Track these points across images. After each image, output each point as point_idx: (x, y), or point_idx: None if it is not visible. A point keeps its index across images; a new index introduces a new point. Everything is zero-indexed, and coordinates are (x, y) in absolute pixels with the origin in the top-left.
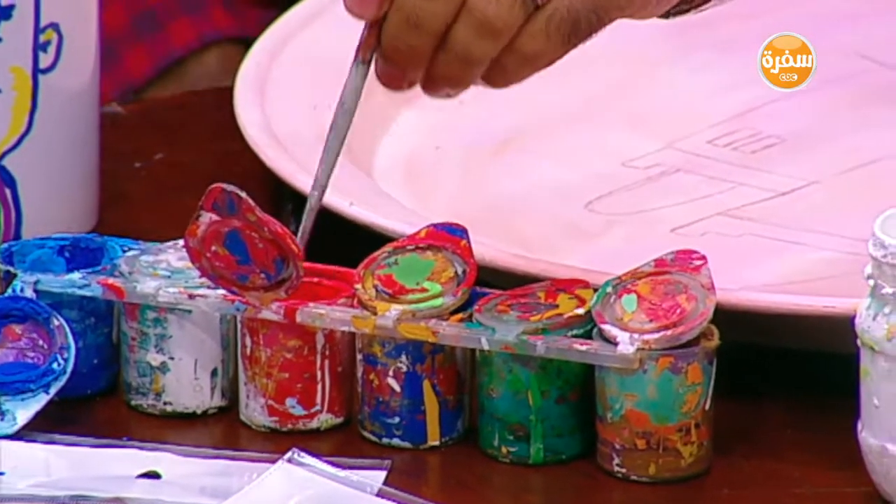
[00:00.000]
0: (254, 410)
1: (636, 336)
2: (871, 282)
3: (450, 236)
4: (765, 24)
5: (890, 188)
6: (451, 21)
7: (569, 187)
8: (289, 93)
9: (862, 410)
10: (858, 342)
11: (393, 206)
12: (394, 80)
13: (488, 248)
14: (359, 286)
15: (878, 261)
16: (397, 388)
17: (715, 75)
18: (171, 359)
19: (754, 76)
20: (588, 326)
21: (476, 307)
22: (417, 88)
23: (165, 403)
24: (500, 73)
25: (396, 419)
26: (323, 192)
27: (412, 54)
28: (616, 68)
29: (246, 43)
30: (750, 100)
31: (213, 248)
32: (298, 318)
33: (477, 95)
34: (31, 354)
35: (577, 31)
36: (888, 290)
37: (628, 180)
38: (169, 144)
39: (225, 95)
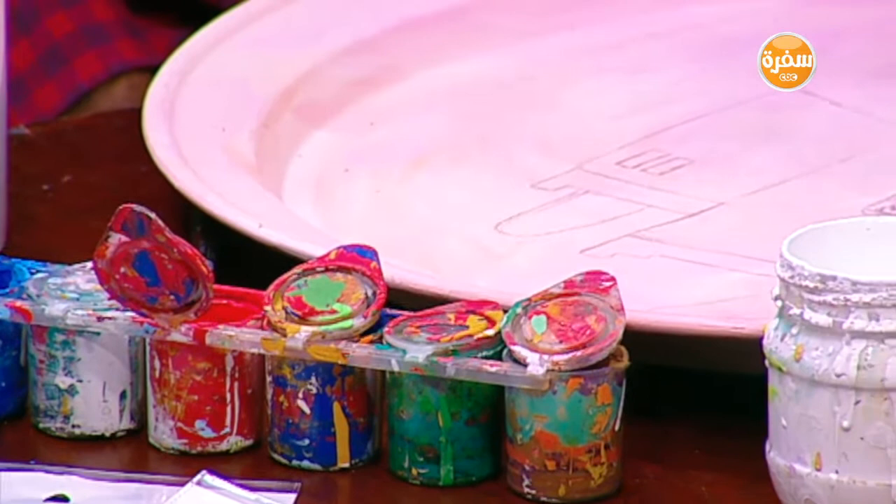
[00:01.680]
0: (163, 433)
1: (546, 357)
2: (779, 303)
3: (360, 258)
4: (671, 47)
5: (797, 209)
6: None
7: (478, 209)
8: (197, 114)
9: (770, 431)
10: (766, 363)
11: (303, 227)
12: None
13: (398, 269)
14: (268, 308)
15: (786, 282)
16: (307, 410)
17: (623, 97)
18: (80, 381)
19: (662, 98)
20: (498, 348)
21: (386, 329)
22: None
23: (74, 426)
24: None
25: (306, 441)
26: None
27: None
28: (525, 90)
29: (153, 71)
30: (658, 122)
31: (123, 269)
32: (208, 341)
33: (387, 117)
34: None
35: None
36: (795, 310)
37: (538, 202)
38: (77, 166)
39: (133, 117)
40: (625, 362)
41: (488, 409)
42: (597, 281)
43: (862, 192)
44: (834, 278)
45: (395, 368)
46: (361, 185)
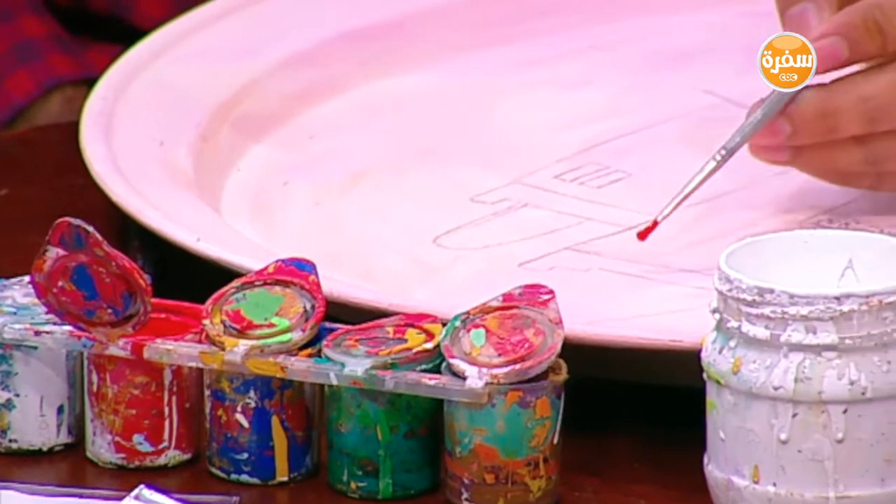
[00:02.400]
0: (101, 447)
1: (485, 370)
2: (717, 315)
3: (298, 271)
4: (611, 60)
5: (734, 223)
6: None
7: (417, 222)
8: (135, 128)
9: (708, 444)
10: (705, 376)
11: (241, 241)
12: (776, 135)
13: (337, 283)
14: (207, 322)
15: (724, 295)
16: (246, 423)
17: (562, 110)
18: (17, 396)
19: (601, 111)
20: (437, 361)
21: (325, 342)
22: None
23: (11, 441)
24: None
25: (245, 455)
26: (725, 160)
27: (827, 132)
28: (464, 104)
29: (89, 84)
30: (596, 135)
31: (60, 283)
32: (146, 355)
33: (326, 131)
34: None
35: None
36: (733, 323)
37: (476, 215)
38: (14, 180)
39: (70, 131)
40: (563, 375)
41: (427, 422)
42: (535, 294)
43: (799, 205)
44: (771, 291)
45: (334, 382)
46: (300, 199)
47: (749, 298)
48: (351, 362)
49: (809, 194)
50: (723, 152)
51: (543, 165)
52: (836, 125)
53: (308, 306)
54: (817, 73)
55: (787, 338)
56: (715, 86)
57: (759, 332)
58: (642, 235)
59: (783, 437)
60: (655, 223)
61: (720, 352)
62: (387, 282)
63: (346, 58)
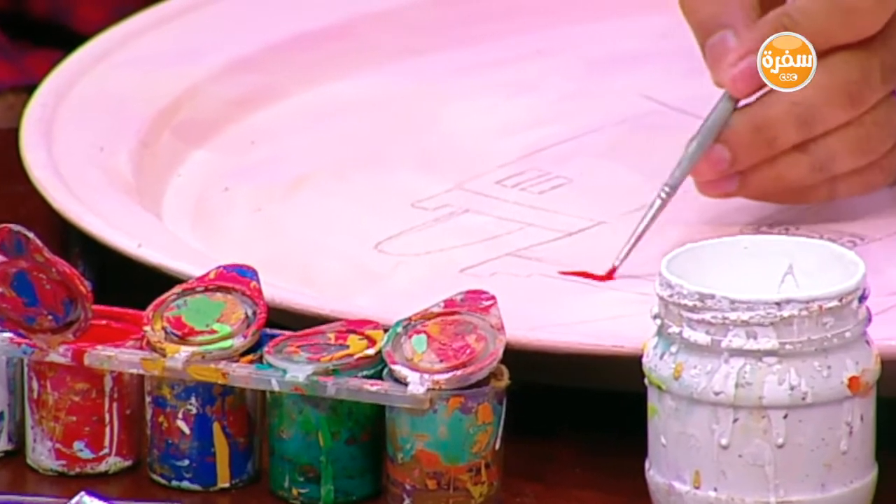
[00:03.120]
0: (41, 454)
1: (426, 376)
2: (658, 321)
3: (240, 277)
4: (555, 66)
5: (676, 228)
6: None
7: (359, 228)
8: (75, 134)
9: (650, 449)
10: (646, 381)
11: (182, 247)
12: (718, 164)
13: (279, 289)
14: (148, 328)
15: (665, 300)
16: (187, 430)
17: (503, 116)
18: None
19: (543, 117)
20: (379, 367)
21: (266, 348)
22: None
23: None
24: (848, 187)
25: (186, 462)
26: (669, 196)
27: (767, 147)
28: (404, 109)
29: (29, 90)
30: (537, 141)
31: (0, 289)
32: (86, 361)
33: (268, 136)
34: None
35: None
36: (675, 329)
37: (418, 221)
38: None
39: (9, 137)
40: (505, 381)
41: (369, 428)
42: (477, 300)
43: (740, 210)
44: (712, 297)
45: (276, 388)
46: (241, 205)
47: (690, 304)
48: (293, 368)
49: (750, 201)
50: (666, 189)
51: (485, 171)
52: (774, 137)
53: (249, 312)
54: (742, 97)
55: (727, 343)
56: (657, 91)
57: (700, 337)
58: (603, 279)
59: (724, 442)
60: (614, 268)
61: (661, 357)
62: (328, 287)
63: (289, 63)
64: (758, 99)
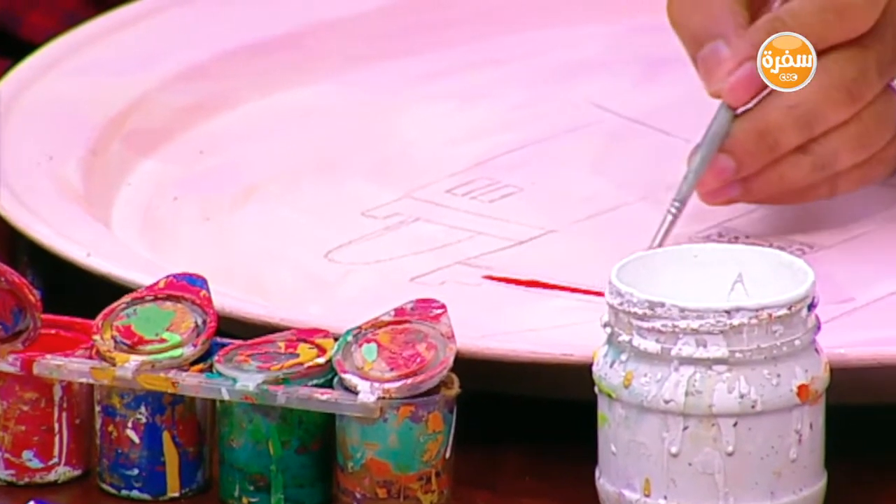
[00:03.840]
0: None
1: (377, 385)
2: (608, 329)
3: (189, 286)
4: (505, 74)
5: (626, 237)
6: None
7: (309, 237)
8: (24, 142)
9: (600, 457)
10: (596, 389)
11: (131, 256)
12: (722, 173)
13: (228, 298)
14: (97, 337)
15: (615, 308)
16: (136, 439)
17: (453, 125)
18: None
19: (494, 125)
20: (329, 376)
21: (216, 357)
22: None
23: None
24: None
25: (136, 471)
26: (679, 212)
27: (769, 152)
28: (354, 118)
29: None
30: (487, 149)
31: None
32: (36, 370)
33: (217, 145)
34: None
35: None
36: (625, 337)
37: (368, 230)
38: None
39: None
40: (455, 389)
41: (319, 437)
42: (427, 309)
43: (690, 219)
44: (662, 305)
45: (226, 397)
46: (191, 214)
47: (640, 312)
48: (243, 377)
49: (700, 208)
50: (676, 204)
51: (435, 180)
52: (776, 141)
53: (199, 321)
54: (740, 105)
55: (677, 351)
56: (608, 100)
57: (650, 345)
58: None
59: (674, 450)
60: None
61: (611, 365)
62: (279, 296)
63: (239, 72)
64: (756, 105)
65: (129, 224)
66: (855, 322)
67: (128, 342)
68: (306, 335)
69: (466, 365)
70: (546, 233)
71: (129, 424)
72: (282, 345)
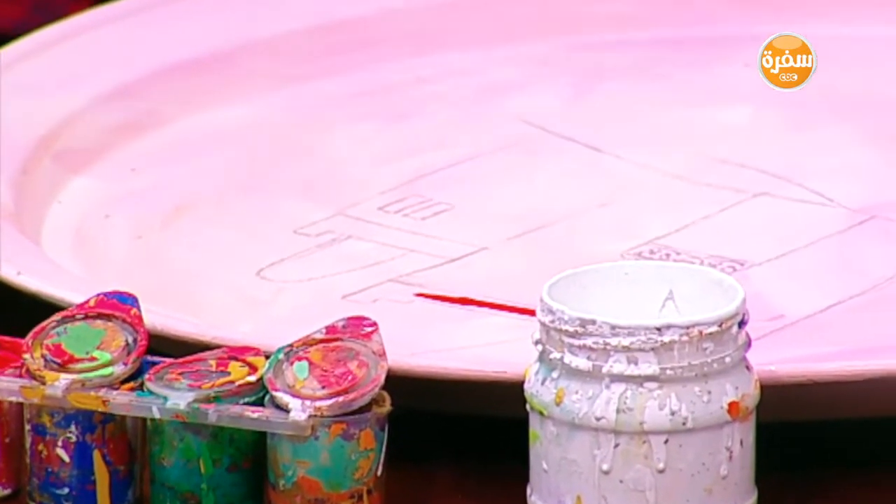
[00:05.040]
0: None
1: (308, 403)
2: (540, 347)
3: (120, 305)
4: (435, 92)
5: (558, 253)
6: None
7: (241, 255)
8: None
9: (532, 475)
10: (528, 407)
11: (62, 274)
12: None
13: (160, 315)
14: (27, 356)
15: (546, 326)
16: (67, 458)
17: (387, 142)
18: None
19: (425, 143)
20: (260, 394)
21: (147, 376)
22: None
23: None
24: None
25: (66, 490)
26: None
27: None
28: (286, 136)
29: None
30: (419, 167)
31: None
32: None
33: (149, 163)
34: None
35: None
36: (556, 354)
37: (300, 247)
38: None
39: None
40: (387, 407)
41: (250, 455)
42: (359, 326)
43: (621, 236)
44: (593, 322)
45: (157, 415)
46: (122, 232)
47: (571, 329)
48: (174, 396)
49: (631, 224)
50: None
51: (367, 197)
52: None
53: (130, 340)
54: None
55: (608, 368)
56: (538, 116)
57: (582, 363)
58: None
59: (605, 467)
60: None
61: (543, 383)
62: (211, 315)
63: (167, 90)
64: None
65: (61, 242)
66: (785, 339)
67: (58, 361)
68: (238, 353)
69: (398, 382)
70: (478, 250)
71: (60, 443)
72: (213, 363)
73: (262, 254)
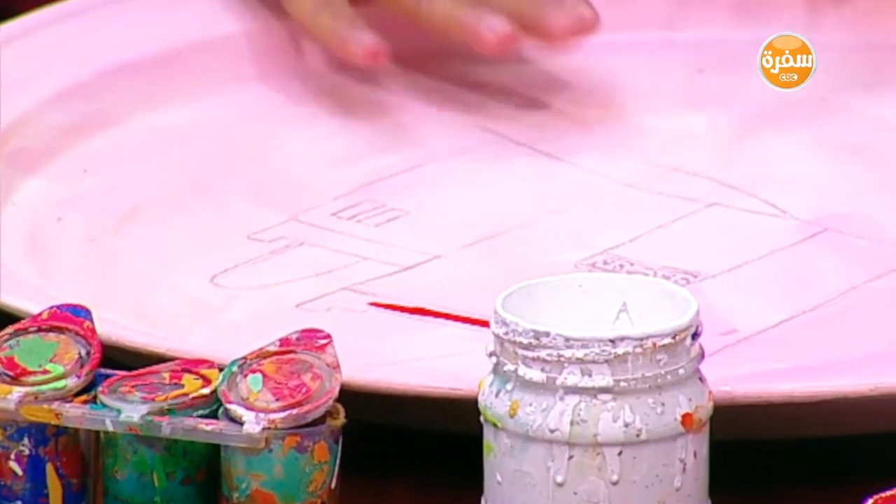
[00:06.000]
0: None
1: (262, 415)
2: (494, 359)
3: (73, 317)
4: (384, 96)
5: (512, 263)
6: None
7: (194, 260)
8: None
9: (486, 487)
10: (482, 419)
11: (15, 282)
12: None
13: (114, 326)
14: None
15: (500, 338)
16: (19, 471)
17: (340, 146)
18: None
19: (379, 148)
20: (214, 406)
21: (101, 388)
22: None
23: None
24: None
25: (19, 503)
26: None
27: None
28: (236, 137)
29: None
30: (374, 172)
31: None
32: None
33: (101, 164)
34: None
35: None
36: (510, 366)
37: (253, 254)
38: None
39: None
40: (341, 420)
41: (204, 468)
42: (312, 339)
43: (575, 246)
44: (547, 334)
45: (110, 428)
46: (75, 235)
47: (525, 342)
48: (127, 408)
49: (585, 234)
50: None
51: (321, 202)
52: None
53: (83, 352)
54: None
55: (563, 380)
56: (495, 123)
57: (536, 375)
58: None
59: (559, 479)
60: None
61: (497, 395)
62: (163, 321)
63: (119, 91)
64: None
65: (13, 245)
66: (738, 354)
67: (10, 374)
68: (191, 366)
69: (352, 395)
70: (432, 258)
71: (12, 456)
72: (166, 375)
73: (216, 259)
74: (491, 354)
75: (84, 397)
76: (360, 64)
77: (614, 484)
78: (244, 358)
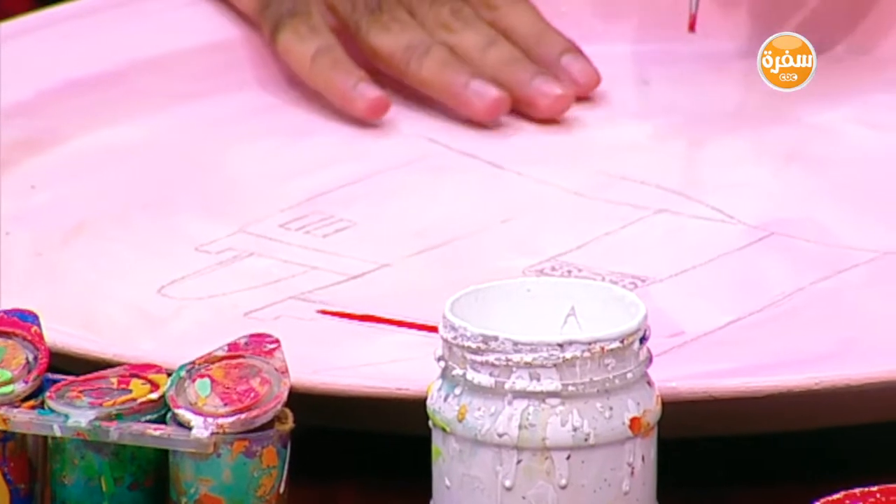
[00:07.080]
0: None
1: (210, 420)
2: (443, 363)
3: (20, 322)
4: (328, 112)
5: (460, 270)
6: None
7: (142, 272)
8: None
9: (434, 491)
10: (430, 423)
11: None
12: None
13: (61, 333)
14: None
15: (449, 342)
16: None
17: (285, 160)
18: None
19: (325, 160)
20: (162, 411)
21: (48, 393)
22: None
23: None
24: None
25: None
26: None
27: None
28: (182, 153)
29: None
30: (320, 184)
31: None
32: None
33: (48, 180)
34: None
35: None
36: (459, 371)
37: (201, 265)
38: None
39: None
40: (289, 424)
41: (153, 473)
42: (261, 343)
43: (523, 252)
44: (496, 339)
45: (58, 433)
46: (22, 249)
47: (474, 346)
48: (75, 413)
49: (533, 241)
50: None
51: (269, 214)
52: None
53: (31, 357)
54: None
55: (511, 385)
56: (441, 134)
57: (484, 379)
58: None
59: (508, 483)
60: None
61: (446, 399)
62: (111, 332)
63: (65, 108)
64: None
65: None
66: (686, 355)
67: None
68: (139, 371)
69: (301, 400)
70: (379, 267)
71: None
72: (114, 380)
73: (163, 271)
74: (439, 359)
75: (32, 402)
76: (363, 118)
77: (563, 488)
78: (192, 363)
